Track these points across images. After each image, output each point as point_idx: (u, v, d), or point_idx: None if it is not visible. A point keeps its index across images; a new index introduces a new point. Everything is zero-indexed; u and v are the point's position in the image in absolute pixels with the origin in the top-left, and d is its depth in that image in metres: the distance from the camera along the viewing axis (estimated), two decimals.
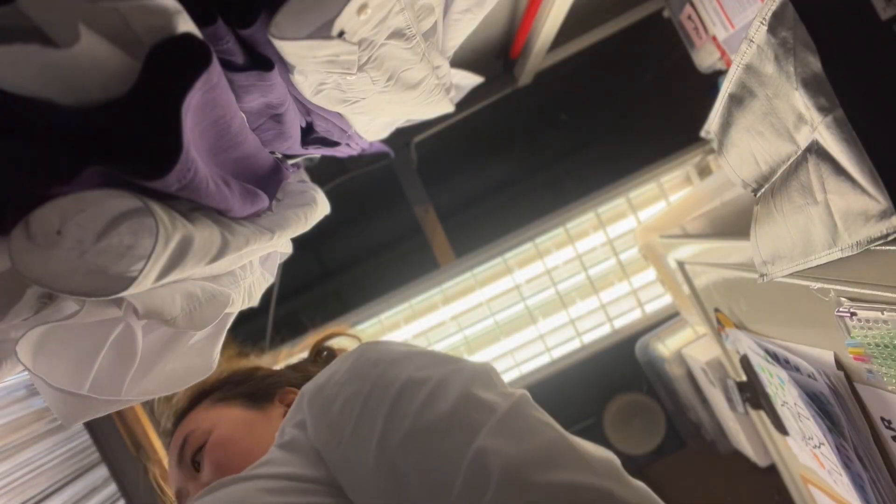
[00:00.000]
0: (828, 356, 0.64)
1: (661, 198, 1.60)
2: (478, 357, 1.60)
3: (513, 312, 1.60)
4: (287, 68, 0.57)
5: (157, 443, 1.40)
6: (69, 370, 0.48)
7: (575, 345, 1.60)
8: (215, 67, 0.42)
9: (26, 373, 0.46)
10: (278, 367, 0.88)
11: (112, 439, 1.31)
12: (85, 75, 0.36)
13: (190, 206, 0.48)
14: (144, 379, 0.54)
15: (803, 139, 0.51)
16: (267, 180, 0.65)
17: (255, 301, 0.73)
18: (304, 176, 0.88)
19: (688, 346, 1.42)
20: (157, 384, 0.56)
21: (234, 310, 0.65)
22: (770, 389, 0.89)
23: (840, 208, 0.47)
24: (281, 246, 0.80)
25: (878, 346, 0.54)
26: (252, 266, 0.68)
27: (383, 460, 0.44)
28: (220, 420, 0.69)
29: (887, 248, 0.45)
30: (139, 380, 0.53)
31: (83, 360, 0.48)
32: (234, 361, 0.88)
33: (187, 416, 0.72)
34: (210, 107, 0.45)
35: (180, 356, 0.59)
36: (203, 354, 0.63)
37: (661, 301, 1.59)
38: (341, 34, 0.51)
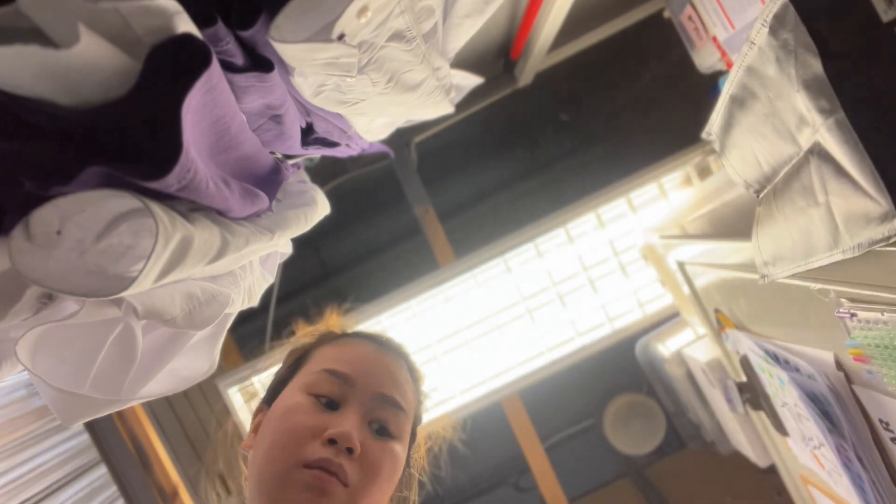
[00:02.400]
0: (828, 357, 0.64)
1: (661, 198, 1.60)
2: (478, 357, 1.60)
3: (513, 312, 1.60)
4: (287, 69, 0.57)
5: (157, 443, 1.40)
6: (69, 370, 0.48)
7: (575, 345, 1.60)
8: (215, 68, 0.42)
9: (26, 372, 0.46)
10: None
11: (112, 439, 1.31)
12: (85, 76, 0.36)
13: (190, 206, 0.48)
14: (145, 379, 0.54)
15: (805, 141, 0.51)
16: (267, 181, 0.65)
17: (254, 301, 0.72)
18: (304, 176, 0.88)
19: (688, 347, 1.42)
20: (159, 385, 0.56)
21: (234, 310, 0.65)
22: (770, 390, 0.89)
23: (841, 210, 0.47)
24: (281, 246, 0.80)
25: (878, 347, 0.54)
26: (252, 266, 0.68)
27: None
28: (406, 444, 0.63)
29: (888, 249, 0.45)
30: (140, 380, 0.53)
31: (83, 359, 0.48)
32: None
33: (408, 393, 0.64)
34: (210, 107, 0.45)
35: (181, 356, 0.58)
36: (204, 354, 0.63)
37: (661, 301, 1.59)
38: (341, 37, 0.51)
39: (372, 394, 0.60)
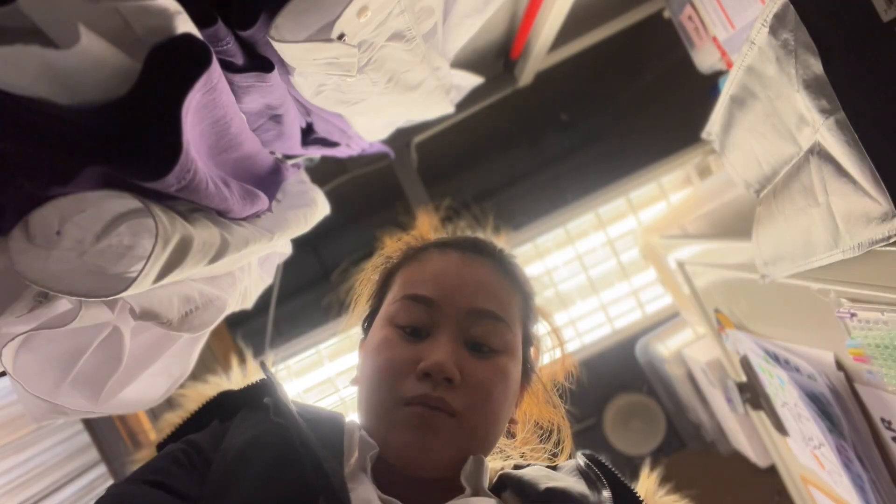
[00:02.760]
0: (828, 357, 0.64)
1: (661, 198, 1.60)
2: None
3: None
4: (287, 69, 0.56)
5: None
6: (49, 369, 0.47)
7: (575, 345, 1.60)
8: (215, 68, 0.42)
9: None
10: None
11: (112, 438, 1.31)
12: (85, 76, 0.36)
13: (189, 206, 0.48)
14: (127, 381, 0.53)
15: (805, 141, 0.51)
16: (267, 181, 0.65)
17: (248, 304, 0.72)
18: (304, 176, 0.87)
19: (688, 347, 1.42)
20: (135, 394, 0.55)
21: (227, 312, 0.65)
22: (770, 390, 0.89)
23: (842, 210, 0.47)
24: (280, 246, 0.80)
25: (878, 346, 0.53)
26: (250, 268, 0.68)
27: None
28: (517, 356, 0.57)
29: (888, 249, 0.45)
30: (122, 383, 0.53)
31: (66, 360, 0.48)
32: None
33: (506, 300, 0.57)
34: (210, 107, 0.45)
35: (161, 360, 0.58)
36: (182, 359, 0.62)
37: (661, 301, 1.59)
38: (341, 37, 0.51)
39: (462, 311, 0.54)
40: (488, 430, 0.53)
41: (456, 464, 0.50)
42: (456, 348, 0.52)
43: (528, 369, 0.61)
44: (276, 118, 0.61)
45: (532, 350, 0.63)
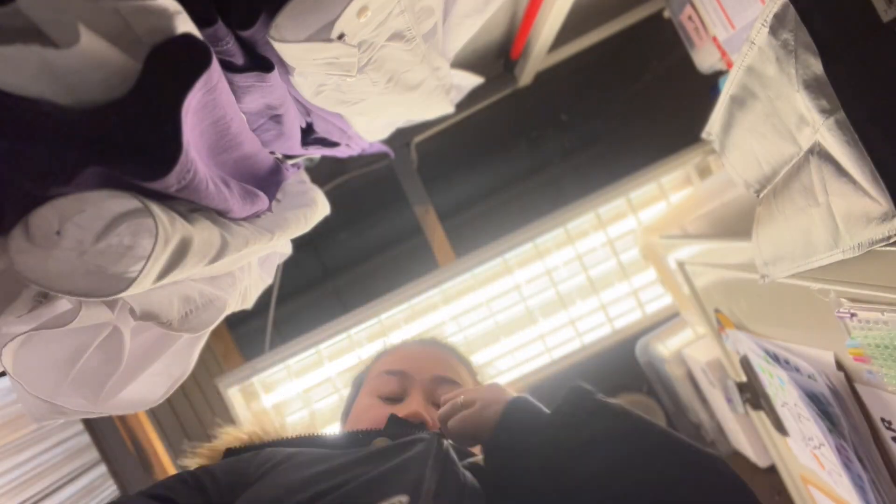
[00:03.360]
0: (828, 357, 0.64)
1: (661, 198, 1.60)
2: (478, 357, 1.59)
3: (513, 313, 1.60)
4: (287, 69, 0.56)
5: (157, 443, 1.40)
6: (48, 369, 0.48)
7: (575, 345, 1.60)
8: (215, 68, 0.42)
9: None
10: None
11: (111, 439, 1.31)
12: (85, 76, 0.36)
13: (189, 206, 0.48)
14: (127, 382, 0.53)
15: (805, 141, 0.51)
16: (267, 181, 0.65)
17: (249, 304, 0.72)
18: (304, 176, 0.87)
19: (688, 347, 1.42)
20: (135, 394, 0.56)
21: (227, 312, 0.65)
22: (770, 390, 0.89)
23: (842, 210, 0.47)
24: (280, 246, 0.80)
25: (878, 346, 0.53)
26: (250, 268, 0.68)
27: None
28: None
29: (888, 249, 0.45)
30: (122, 383, 0.53)
31: (65, 360, 0.48)
32: None
33: (460, 372, 0.73)
34: (210, 107, 0.45)
35: (161, 360, 0.58)
36: (182, 359, 0.63)
37: (661, 301, 1.59)
38: (341, 37, 0.51)
39: (428, 378, 0.68)
40: None
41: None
42: (427, 405, 0.66)
43: None
44: (276, 118, 0.61)
45: None
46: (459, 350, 0.81)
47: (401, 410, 0.63)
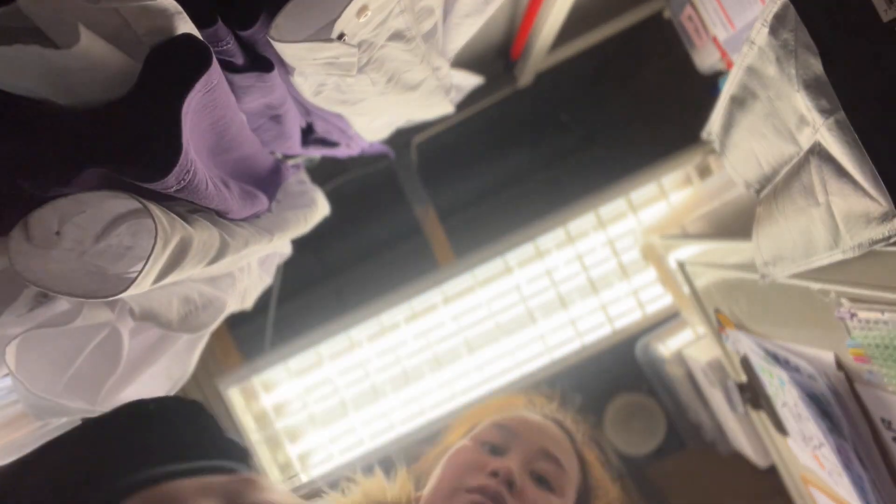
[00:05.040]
0: (828, 357, 0.64)
1: (661, 198, 1.60)
2: (478, 357, 1.59)
3: (513, 313, 1.60)
4: (287, 69, 0.56)
5: None
6: (47, 368, 0.48)
7: (575, 345, 1.60)
8: (215, 69, 0.42)
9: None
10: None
11: None
12: (84, 76, 0.36)
13: (189, 207, 0.48)
14: (126, 383, 0.54)
15: (805, 140, 0.51)
16: (266, 181, 0.65)
17: (248, 304, 0.72)
18: (304, 176, 0.87)
19: (688, 347, 1.42)
20: (136, 394, 0.56)
21: (227, 312, 0.65)
22: (770, 390, 0.89)
23: (842, 210, 0.47)
24: (280, 247, 0.80)
25: (878, 346, 0.53)
26: (250, 268, 0.68)
27: None
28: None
29: (888, 249, 0.45)
30: (121, 384, 0.53)
31: (63, 360, 0.48)
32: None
33: (571, 460, 0.68)
34: (210, 108, 0.45)
35: (160, 361, 0.58)
36: (182, 360, 0.63)
37: (661, 301, 1.58)
38: (341, 36, 0.51)
39: (535, 447, 0.64)
40: None
41: None
42: (522, 469, 0.61)
43: None
44: (276, 118, 0.61)
45: None
46: (580, 444, 0.74)
47: (495, 463, 0.60)
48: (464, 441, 0.66)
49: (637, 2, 1.42)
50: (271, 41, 0.50)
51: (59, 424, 1.21)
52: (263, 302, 1.01)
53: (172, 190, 0.41)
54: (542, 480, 0.62)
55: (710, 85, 1.22)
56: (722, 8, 0.98)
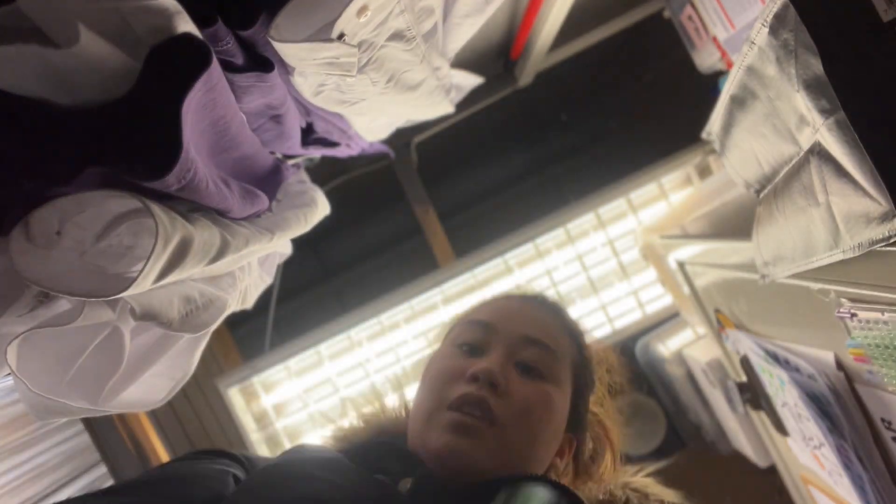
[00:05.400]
0: (828, 357, 0.64)
1: (661, 198, 1.60)
2: None
3: None
4: (287, 69, 0.56)
5: (157, 443, 1.40)
6: (49, 368, 0.47)
7: None
8: (215, 68, 0.42)
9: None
10: None
11: (112, 439, 1.31)
12: (84, 76, 0.36)
13: (189, 206, 0.48)
14: (127, 383, 0.53)
15: (805, 141, 0.51)
16: (267, 181, 0.65)
17: (248, 304, 0.72)
18: (304, 176, 0.87)
19: (688, 347, 1.42)
20: (137, 395, 0.56)
21: (228, 312, 0.65)
22: (770, 390, 0.89)
23: (842, 210, 0.47)
24: (280, 246, 0.80)
25: (878, 346, 0.53)
26: (250, 268, 0.68)
27: None
28: (563, 391, 0.59)
29: (888, 249, 0.45)
30: (122, 383, 0.53)
31: (65, 360, 0.48)
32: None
33: (558, 339, 0.61)
34: (210, 107, 0.45)
35: (161, 361, 0.58)
36: (183, 360, 0.62)
37: (661, 301, 1.59)
38: (341, 36, 0.51)
39: (515, 336, 0.58)
40: (524, 449, 0.54)
41: (492, 476, 0.50)
42: (506, 364, 0.56)
43: (577, 419, 0.62)
44: (277, 118, 0.61)
45: (584, 413, 0.65)
46: (571, 320, 0.68)
47: (474, 366, 0.54)
48: (444, 348, 0.62)
49: (637, 2, 1.42)
50: (271, 41, 0.50)
51: (58, 425, 1.21)
52: (263, 302, 1.01)
53: (173, 189, 0.41)
54: (529, 369, 0.57)
55: (710, 85, 1.22)
56: (722, 8, 0.98)
